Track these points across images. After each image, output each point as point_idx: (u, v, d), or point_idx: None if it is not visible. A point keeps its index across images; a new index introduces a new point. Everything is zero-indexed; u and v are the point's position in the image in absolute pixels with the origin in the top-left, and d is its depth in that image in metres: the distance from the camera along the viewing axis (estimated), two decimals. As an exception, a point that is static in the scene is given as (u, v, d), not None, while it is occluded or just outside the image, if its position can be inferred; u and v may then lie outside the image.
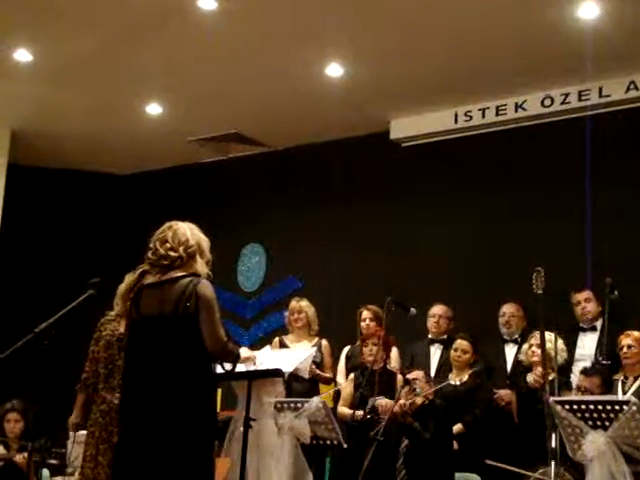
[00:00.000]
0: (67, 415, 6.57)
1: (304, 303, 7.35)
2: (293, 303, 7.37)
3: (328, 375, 7.17)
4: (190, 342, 4.05)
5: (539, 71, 7.47)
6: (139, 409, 4.08)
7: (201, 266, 4.24)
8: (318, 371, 7.03)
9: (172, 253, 4.21)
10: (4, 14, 6.89)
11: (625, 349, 6.04)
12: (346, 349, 7.29)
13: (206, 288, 4.12)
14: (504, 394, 6.66)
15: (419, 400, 6.14)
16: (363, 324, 7.19)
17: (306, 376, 6.75)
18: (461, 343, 6.78)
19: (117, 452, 4.23)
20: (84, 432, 5.31)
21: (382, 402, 6.25)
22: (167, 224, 4.37)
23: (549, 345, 5.75)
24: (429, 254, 8.32)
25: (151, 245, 4.28)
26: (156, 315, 4.14)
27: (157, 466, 3.98)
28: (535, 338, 6.18)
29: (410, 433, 6.05)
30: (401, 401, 6.10)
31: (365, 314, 7.20)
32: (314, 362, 6.89)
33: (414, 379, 6.29)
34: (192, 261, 4.23)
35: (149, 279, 4.27)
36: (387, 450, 6.09)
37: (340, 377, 7.16)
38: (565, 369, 6.38)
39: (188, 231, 4.30)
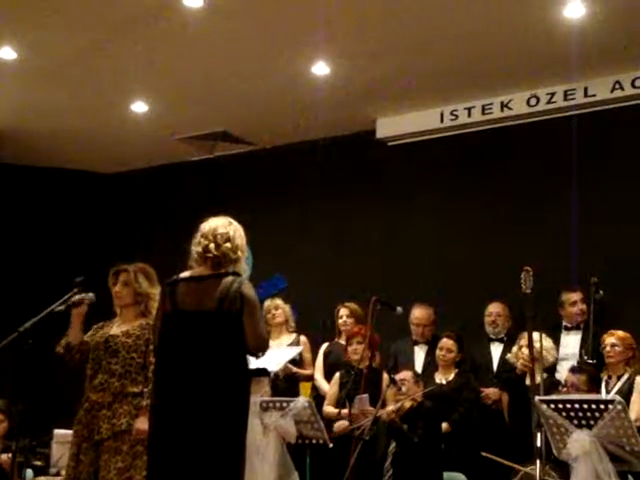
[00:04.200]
0: (52, 415, 6.57)
1: (279, 301, 7.43)
2: (268, 303, 7.43)
3: (308, 372, 7.20)
4: (230, 339, 4.14)
5: (525, 70, 7.47)
6: (173, 403, 4.12)
7: (242, 267, 4.36)
8: (295, 369, 7.05)
9: (231, 254, 4.32)
10: (-12, 11, 6.86)
11: (608, 348, 6.06)
12: (324, 346, 7.33)
13: (250, 289, 4.24)
14: (491, 393, 6.68)
15: (407, 404, 6.14)
16: (340, 321, 7.26)
17: (280, 375, 6.78)
18: (446, 342, 6.80)
19: (150, 445, 4.26)
20: (68, 432, 5.28)
21: (338, 424, 6.25)
22: (226, 219, 4.44)
23: (538, 345, 5.77)
24: (415, 253, 8.32)
25: (210, 237, 4.32)
26: (195, 310, 4.20)
27: (189, 460, 4.03)
28: (525, 339, 6.19)
29: (399, 436, 6.05)
30: (388, 409, 6.09)
31: (342, 311, 7.27)
32: (293, 360, 6.91)
33: (402, 379, 6.29)
34: (239, 262, 4.35)
35: (189, 272, 4.34)
36: (374, 450, 6.10)
37: (318, 374, 7.19)
38: (551, 369, 6.40)
39: (242, 232, 4.43)
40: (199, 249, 4.33)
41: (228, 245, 4.31)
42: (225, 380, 4.11)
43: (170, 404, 4.14)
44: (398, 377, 6.33)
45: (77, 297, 5.10)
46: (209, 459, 4.05)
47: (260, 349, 4.28)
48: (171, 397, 4.15)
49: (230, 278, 4.23)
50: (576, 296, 6.82)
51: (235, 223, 4.45)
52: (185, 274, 4.38)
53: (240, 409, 4.17)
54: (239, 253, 4.34)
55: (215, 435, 4.06)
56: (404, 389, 6.25)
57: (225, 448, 4.08)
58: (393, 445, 6.13)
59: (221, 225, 4.38)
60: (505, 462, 5.67)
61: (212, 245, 4.29)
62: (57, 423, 6.62)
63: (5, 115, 8.86)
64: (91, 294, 5.14)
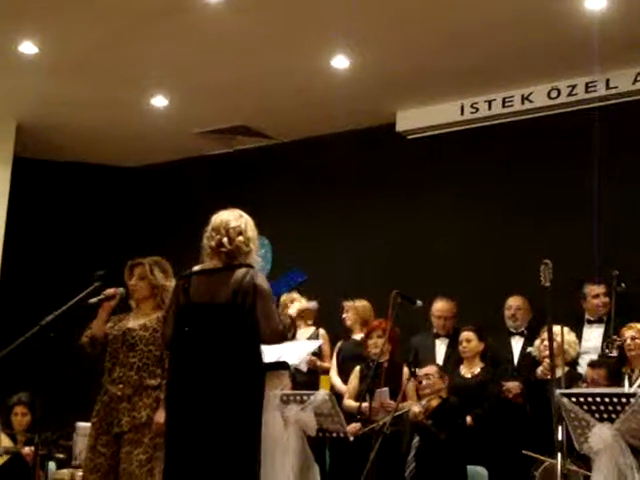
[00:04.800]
0: (74, 408, 6.59)
1: (295, 295, 7.46)
2: (284, 297, 7.45)
3: (327, 365, 7.23)
4: (244, 331, 4.13)
5: (546, 63, 7.44)
6: (187, 396, 4.13)
7: (254, 258, 4.36)
8: (319, 362, 7.09)
9: (244, 247, 4.31)
10: (9, 6, 6.88)
11: (629, 341, 6.02)
12: (339, 344, 7.35)
13: (263, 280, 4.24)
14: (512, 386, 6.64)
15: (434, 402, 6.13)
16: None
17: (304, 369, 6.80)
18: (465, 334, 6.76)
19: (167, 438, 4.28)
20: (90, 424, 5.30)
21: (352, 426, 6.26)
22: (236, 212, 4.43)
23: (559, 339, 5.74)
24: (435, 247, 8.30)
25: (222, 231, 4.31)
26: (209, 303, 4.20)
27: (205, 452, 4.04)
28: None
29: (425, 434, 6.03)
30: (414, 409, 6.08)
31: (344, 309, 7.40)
32: (313, 353, 6.93)
33: (427, 374, 6.28)
34: (251, 254, 4.35)
35: (202, 265, 4.35)
36: (397, 444, 6.10)
37: (332, 371, 7.23)
38: (573, 362, 6.37)
39: (253, 224, 4.42)
40: (212, 243, 4.32)
41: (241, 238, 4.30)
42: (239, 373, 4.11)
43: (185, 397, 4.15)
44: (423, 372, 6.32)
45: (110, 291, 5.12)
46: (224, 452, 4.04)
47: (276, 341, 4.26)
48: (186, 390, 4.15)
49: (243, 270, 4.22)
50: (599, 289, 6.77)
51: (245, 215, 4.44)
52: (198, 267, 4.39)
53: (254, 401, 4.17)
54: (251, 245, 4.34)
55: (230, 428, 4.05)
56: (425, 382, 6.25)
57: (240, 441, 4.07)
58: (417, 439, 6.12)
59: (233, 218, 4.37)
60: (548, 460, 5.62)
61: (225, 239, 4.29)
62: (80, 416, 6.65)
63: (26, 110, 8.92)
64: (122, 289, 5.17)
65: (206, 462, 4.06)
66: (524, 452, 5.77)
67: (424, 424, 6.02)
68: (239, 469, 4.07)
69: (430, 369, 6.36)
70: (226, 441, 4.05)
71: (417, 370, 6.40)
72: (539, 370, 6.23)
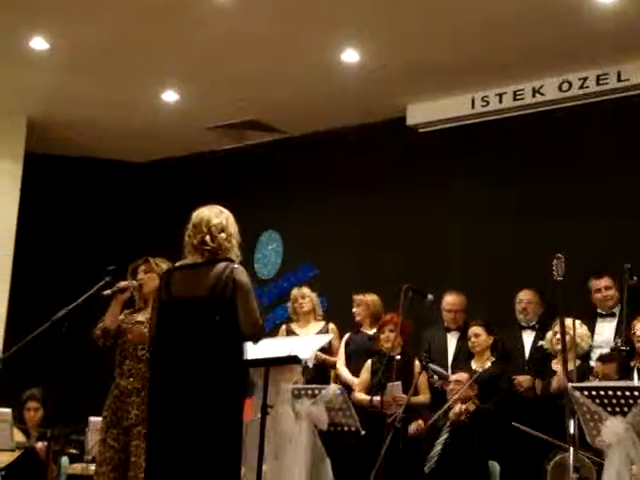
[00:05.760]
0: (86, 403, 6.61)
1: (306, 290, 7.48)
2: (295, 291, 7.53)
3: (333, 359, 7.26)
4: (224, 326, 4.13)
5: (557, 55, 7.40)
6: (169, 391, 4.15)
7: (235, 253, 4.36)
8: (324, 356, 7.10)
9: (226, 244, 4.33)
10: (21, 2, 6.90)
11: (638, 333, 5.99)
12: (346, 336, 7.36)
13: (243, 274, 4.25)
14: (523, 380, 6.63)
15: (472, 407, 6.15)
16: None
17: (310, 365, 6.81)
18: (473, 329, 6.74)
19: (148, 435, 4.31)
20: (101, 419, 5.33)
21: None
22: (217, 208, 4.46)
23: (572, 332, 5.73)
24: (445, 241, 8.29)
25: (204, 229, 4.33)
26: (189, 298, 4.22)
27: (187, 448, 4.05)
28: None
29: (460, 434, 6.04)
30: (455, 409, 6.10)
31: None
32: (322, 347, 6.95)
33: (458, 380, 6.29)
34: (233, 249, 4.36)
35: (184, 261, 4.37)
36: (417, 441, 6.12)
37: (339, 363, 7.23)
38: (586, 356, 6.35)
39: (233, 219, 4.44)
40: (194, 241, 4.34)
41: (223, 235, 4.33)
42: (219, 366, 4.11)
43: (167, 390, 4.17)
44: (454, 377, 6.36)
45: (123, 283, 5.16)
46: (206, 446, 4.06)
47: (255, 335, 4.25)
48: (168, 384, 4.17)
49: (223, 264, 4.24)
50: (602, 282, 6.71)
51: (226, 211, 4.46)
52: (179, 263, 4.42)
53: (234, 394, 4.16)
54: (233, 241, 4.36)
55: (211, 421, 4.06)
56: (435, 377, 6.25)
57: (221, 435, 4.09)
58: (443, 437, 6.11)
59: (214, 215, 4.39)
60: (536, 433, 5.65)
61: (208, 237, 4.31)
62: (92, 410, 6.67)
63: (37, 105, 8.94)
64: (134, 282, 5.22)
65: (188, 457, 4.07)
66: (514, 424, 5.79)
67: (464, 423, 6.04)
68: (220, 464, 4.08)
69: (461, 376, 6.38)
70: (207, 436, 4.06)
71: (441, 372, 6.42)
72: (554, 383, 6.16)
